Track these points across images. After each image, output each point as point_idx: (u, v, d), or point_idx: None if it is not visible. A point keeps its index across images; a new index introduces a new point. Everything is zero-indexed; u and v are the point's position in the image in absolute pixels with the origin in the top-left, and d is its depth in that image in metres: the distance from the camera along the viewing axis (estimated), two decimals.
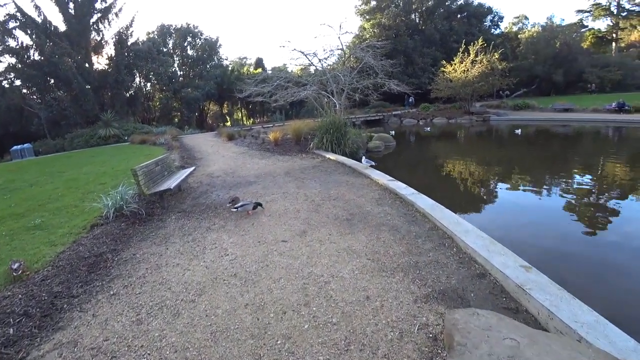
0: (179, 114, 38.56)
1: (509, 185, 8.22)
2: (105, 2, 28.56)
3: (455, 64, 27.12)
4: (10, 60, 26.98)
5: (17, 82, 27.73)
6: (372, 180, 6.85)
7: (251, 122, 41.79)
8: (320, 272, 3.25)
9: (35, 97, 27.72)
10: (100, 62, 29.85)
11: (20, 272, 3.85)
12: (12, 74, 27.37)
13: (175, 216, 5.78)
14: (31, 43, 26.29)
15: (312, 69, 16.82)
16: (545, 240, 4.94)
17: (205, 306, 2.92)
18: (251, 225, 4.78)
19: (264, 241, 4.14)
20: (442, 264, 3.30)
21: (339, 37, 13.02)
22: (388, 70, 13.38)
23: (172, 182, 6.39)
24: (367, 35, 36.70)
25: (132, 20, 30.05)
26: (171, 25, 39.33)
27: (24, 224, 5.86)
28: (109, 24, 29.16)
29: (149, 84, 36.96)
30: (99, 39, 29.13)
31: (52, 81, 26.85)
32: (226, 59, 44.33)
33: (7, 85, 27.40)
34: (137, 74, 33.13)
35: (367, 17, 41.84)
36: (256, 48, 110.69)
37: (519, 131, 17.36)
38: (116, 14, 29.27)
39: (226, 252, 3.93)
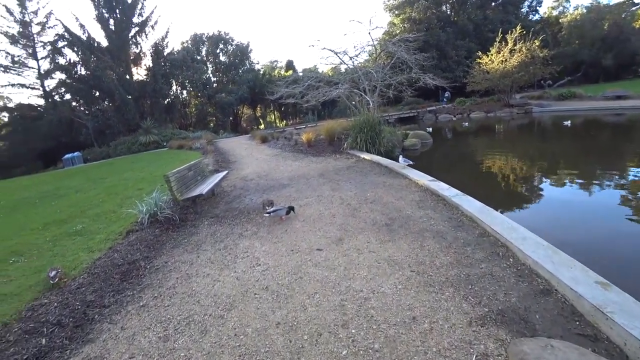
0: (214, 118, 39.74)
1: (562, 183, 7.39)
2: (142, 17, 30.02)
3: (491, 55, 25.56)
4: (61, 76, 29.25)
5: (67, 96, 29.93)
6: (411, 181, 6.40)
7: (284, 123, 42.20)
8: (360, 287, 2.91)
9: (82, 109, 29.62)
10: (139, 73, 31.44)
11: (57, 279, 3.90)
12: (62, 88, 29.53)
13: (208, 222, 5.69)
14: (77, 59, 28.26)
15: (342, 67, 16.48)
16: (620, 249, 4.23)
17: (235, 323, 2.69)
18: (284, 232, 4.54)
19: (297, 250, 3.88)
20: (497, 278, 2.85)
21: (369, 33, 12.53)
22: (422, 64, 12.76)
23: (204, 187, 6.33)
24: (397, 31, 35.69)
25: (167, 32, 31.49)
26: (203, 34, 40.69)
27: (66, 229, 6.03)
28: (146, 37, 30.70)
29: (184, 91, 38.39)
30: (137, 51, 30.69)
31: (97, 93, 28.59)
32: (257, 63, 45.17)
33: (58, 100, 29.62)
34: (174, 82, 34.49)
35: (397, 12, 40.73)
36: (286, 51, 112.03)
37: (568, 122, 15.91)
38: (152, 27, 30.72)
39: (258, 262, 3.70)
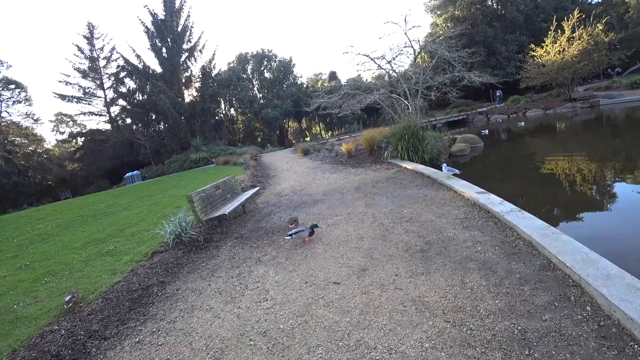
0: (261, 133, 40.93)
1: None
2: (191, 42, 32.03)
3: (547, 46, 23.14)
4: (122, 102, 32.33)
5: (128, 120, 32.95)
6: (456, 193, 5.56)
7: (329, 135, 42.19)
8: (374, 342, 2.28)
9: (141, 130, 32.17)
10: (190, 94, 33.41)
11: (71, 304, 3.80)
12: (124, 113, 32.57)
13: (232, 243, 5.38)
14: (135, 86, 31.05)
15: (382, 72, 15.78)
16: None
17: None
18: (304, 258, 4.03)
19: (312, 282, 3.34)
20: (568, 339, 2.02)
21: (405, 33, 11.74)
22: (466, 62, 11.63)
23: (230, 207, 6.08)
24: (441, 32, 34.15)
25: (213, 54, 33.33)
26: (248, 53, 42.51)
27: (101, 249, 6.09)
28: (195, 61, 32.70)
29: (232, 109, 40.13)
30: (187, 74, 32.81)
31: (153, 116, 30.91)
32: (300, 77, 45.97)
33: (121, 124, 32.58)
34: (222, 101, 36.20)
35: (438, 12, 39.03)
36: (329, 62, 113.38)
37: None
38: (200, 51, 32.63)
39: (265, 296, 3.23)
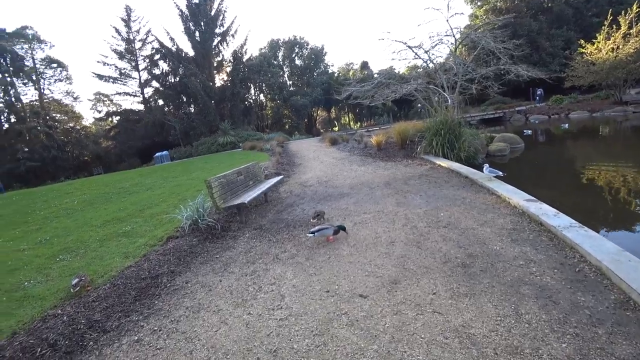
0: (289, 120, 40.74)
1: None
2: (223, 27, 32.14)
3: (598, 42, 21.14)
4: (155, 84, 33.06)
5: (160, 102, 33.69)
6: (499, 199, 4.91)
7: (358, 125, 41.42)
8: None
9: (172, 112, 32.78)
10: (220, 79, 33.62)
11: (78, 288, 3.61)
12: (156, 95, 33.29)
13: (250, 234, 5.04)
14: (168, 69, 31.67)
15: (418, 62, 14.85)
16: None
17: None
18: (326, 260, 3.60)
19: (334, 291, 2.89)
20: None
21: (447, 20, 10.95)
22: (512, 54, 10.60)
23: (250, 195, 5.72)
24: (480, 24, 32.16)
25: (245, 39, 33.32)
26: (279, 39, 42.14)
27: (118, 229, 5.94)
28: (227, 45, 32.90)
29: (261, 95, 40.07)
30: (219, 59, 32.99)
31: (184, 98, 31.34)
32: (332, 66, 45.17)
33: (153, 105, 33.40)
34: (252, 87, 36.18)
35: (479, 3, 36.72)
36: (361, 52, 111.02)
37: None
38: (232, 35, 32.71)
39: (280, 303, 2.82)
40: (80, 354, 2.72)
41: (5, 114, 31.35)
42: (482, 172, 6.20)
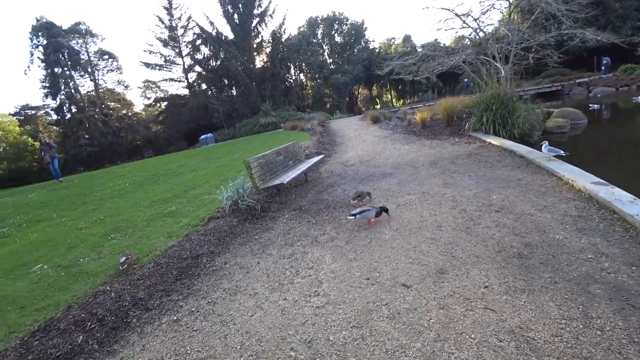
0: (330, 99, 40.11)
1: None
2: (261, 7, 31.82)
3: None
4: (198, 69, 33.95)
5: (203, 86, 34.63)
6: (560, 181, 4.33)
7: (401, 103, 39.84)
8: None
9: (215, 95, 33.64)
10: (260, 60, 33.68)
11: (125, 265, 3.76)
12: (199, 79, 34.26)
13: (289, 215, 4.95)
14: (209, 53, 32.25)
15: (466, 32, 13.56)
16: None
17: None
18: (367, 244, 3.38)
19: (375, 279, 2.68)
20: None
21: None
22: (577, 17, 9.17)
23: (290, 175, 5.61)
24: None
25: (283, 19, 32.88)
26: (318, 17, 41.00)
27: (164, 209, 6.16)
28: (265, 26, 32.65)
29: (301, 74, 39.71)
30: (258, 40, 32.95)
31: (226, 81, 31.93)
32: (372, 41, 43.33)
33: (197, 89, 34.47)
34: (291, 66, 35.92)
35: None
36: (403, 26, 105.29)
37: None
38: (270, 16, 32.34)
39: (317, 290, 2.68)
40: (124, 330, 2.81)
41: (67, 105, 34.07)
42: (540, 150, 5.51)
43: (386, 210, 3.90)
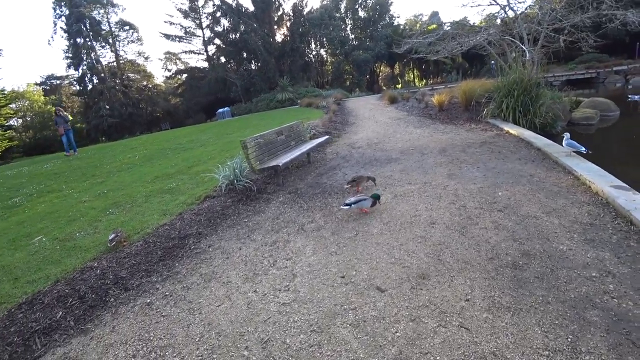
0: (350, 77, 39.01)
1: None
2: None
3: None
4: (218, 42, 33.48)
5: (222, 59, 34.27)
6: (577, 180, 3.95)
7: (423, 83, 38.39)
8: None
9: (233, 68, 33.33)
10: (281, 34, 32.92)
11: (114, 243, 3.76)
12: (219, 52, 33.91)
13: (283, 198, 4.84)
14: (229, 26, 31.75)
15: (494, 9, 12.54)
16: None
17: None
18: (352, 237, 3.22)
19: (350, 278, 2.53)
20: None
21: None
22: None
23: (288, 157, 5.45)
24: None
25: None
26: None
27: (164, 185, 6.15)
28: None
29: (322, 50, 38.65)
30: (279, 13, 32.04)
31: (244, 55, 31.48)
32: (398, 17, 41.51)
33: (216, 62, 34.19)
34: (312, 41, 34.95)
35: None
36: (433, 1, 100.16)
37: None
38: None
39: (289, 284, 2.56)
40: (101, 309, 2.81)
41: (89, 75, 34.57)
42: (562, 145, 5.05)
43: (377, 198, 3.73)
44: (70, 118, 14.28)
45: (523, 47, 8.49)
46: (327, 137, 7.71)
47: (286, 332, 2.04)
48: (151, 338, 2.26)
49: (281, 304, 2.30)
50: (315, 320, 2.10)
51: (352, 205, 3.63)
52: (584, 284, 2.14)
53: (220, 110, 27.83)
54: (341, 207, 3.77)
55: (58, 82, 37.66)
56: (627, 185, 3.39)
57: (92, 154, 12.37)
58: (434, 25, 34.11)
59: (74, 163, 10.52)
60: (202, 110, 34.95)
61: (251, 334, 2.07)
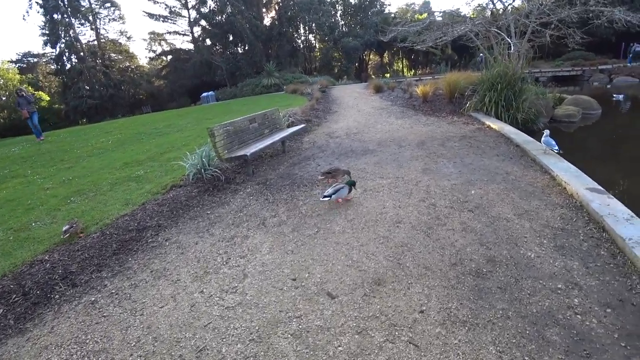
0: (339, 64, 38.39)
1: None
2: None
3: None
4: (203, 23, 32.30)
5: (208, 42, 33.12)
6: (553, 180, 3.87)
7: (412, 73, 38.12)
8: None
9: (219, 52, 32.40)
10: (270, 17, 32.04)
11: (68, 234, 3.56)
12: (205, 34, 32.81)
13: (251, 189, 4.69)
14: (215, 6, 30.61)
15: (482, 1, 12.38)
16: None
17: None
18: (313, 234, 3.11)
19: (301, 281, 2.41)
20: None
21: None
22: None
23: (258, 146, 5.28)
24: None
25: None
26: None
27: (132, 173, 5.92)
28: None
29: (311, 35, 37.83)
30: None
31: (230, 38, 30.53)
32: (389, 5, 40.82)
33: (201, 45, 33.13)
34: (300, 26, 34.14)
35: None
36: None
37: None
38: None
39: (237, 286, 2.43)
40: (43, 307, 2.65)
41: (67, 54, 32.98)
42: (540, 141, 4.98)
43: (353, 184, 3.68)
44: (34, 100, 12.90)
45: (509, 40, 8.38)
46: (303, 125, 7.56)
47: (224, 340, 1.91)
48: (87, 341, 2.11)
49: (225, 308, 2.17)
50: (257, 328, 1.98)
51: (332, 196, 3.53)
52: (548, 297, 2.04)
53: (205, 94, 27.09)
54: (321, 199, 3.65)
55: (35, 60, 35.96)
56: (602, 188, 3.32)
57: (64, 138, 11.88)
58: (424, 15, 33.78)
59: (44, 147, 10.06)
60: (186, 94, 34.00)
61: (188, 340, 1.94)
